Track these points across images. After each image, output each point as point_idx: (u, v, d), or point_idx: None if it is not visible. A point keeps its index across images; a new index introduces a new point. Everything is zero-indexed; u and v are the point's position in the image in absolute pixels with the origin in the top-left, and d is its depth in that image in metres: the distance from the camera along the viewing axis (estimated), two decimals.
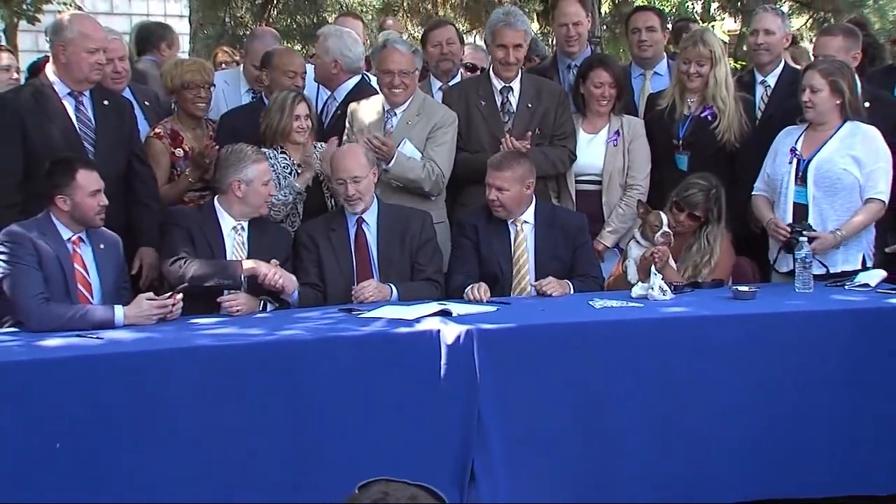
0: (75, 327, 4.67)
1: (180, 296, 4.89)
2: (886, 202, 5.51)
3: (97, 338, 4.55)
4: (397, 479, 1.98)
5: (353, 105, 6.14)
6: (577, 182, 6.19)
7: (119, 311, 4.78)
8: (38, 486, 4.21)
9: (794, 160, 5.55)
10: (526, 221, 5.58)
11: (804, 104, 5.51)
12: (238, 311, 5.03)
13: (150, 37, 7.66)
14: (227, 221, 5.33)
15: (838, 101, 5.48)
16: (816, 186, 5.50)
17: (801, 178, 5.53)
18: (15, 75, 5.94)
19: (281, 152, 5.77)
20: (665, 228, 5.49)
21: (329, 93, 6.55)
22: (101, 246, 5.02)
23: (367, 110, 6.03)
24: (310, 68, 6.70)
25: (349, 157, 5.46)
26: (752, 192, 5.78)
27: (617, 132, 6.10)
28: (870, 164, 5.46)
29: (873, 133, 5.51)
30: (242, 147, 5.37)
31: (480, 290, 5.22)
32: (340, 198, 5.48)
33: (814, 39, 7.81)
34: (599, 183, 6.14)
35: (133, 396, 4.33)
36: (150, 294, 4.92)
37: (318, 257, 5.44)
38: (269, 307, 5.20)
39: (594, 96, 6.09)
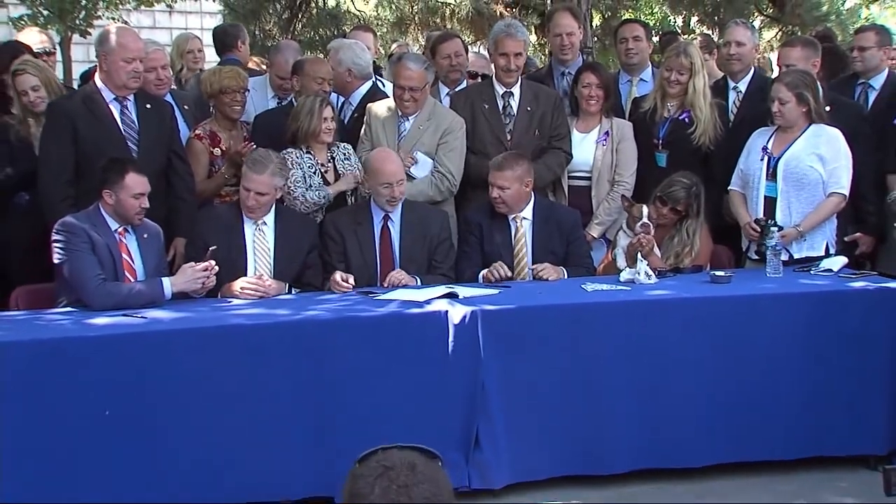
0: (130, 302, 4.70)
1: (213, 261, 4.87)
2: (847, 196, 5.51)
3: (141, 317, 4.55)
4: (390, 445, 1.93)
5: (370, 105, 6.10)
6: (569, 178, 6.16)
7: (166, 282, 4.81)
8: (89, 447, 4.25)
9: (766, 157, 5.54)
10: (525, 218, 5.54)
11: (773, 114, 5.50)
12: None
13: (227, 38, 7.69)
14: (249, 218, 5.24)
15: (804, 109, 5.46)
16: (785, 181, 5.49)
17: (772, 174, 5.52)
18: (43, 94, 5.74)
19: (307, 152, 5.72)
20: (645, 220, 5.48)
21: (344, 98, 6.52)
22: (145, 235, 5.02)
23: (382, 110, 6.00)
24: None
25: (393, 163, 5.39)
26: (729, 187, 5.78)
27: (607, 133, 6.06)
28: (832, 161, 5.45)
29: (836, 134, 5.50)
30: (259, 153, 5.27)
31: (503, 268, 5.31)
32: (382, 198, 5.37)
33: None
34: (589, 179, 6.10)
35: (173, 369, 4.37)
36: (192, 263, 4.91)
37: (344, 249, 5.39)
38: (293, 291, 5.18)
39: (583, 96, 6.06)
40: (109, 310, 4.62)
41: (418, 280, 5.30)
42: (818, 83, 5.61)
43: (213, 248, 4.93)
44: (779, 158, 5.50)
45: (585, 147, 6.10)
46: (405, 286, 5.17)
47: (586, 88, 6.03)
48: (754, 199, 5.59)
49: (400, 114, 5.90)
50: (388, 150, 5.63)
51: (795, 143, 5.50)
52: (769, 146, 5.56)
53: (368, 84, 6.46)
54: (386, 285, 5.23)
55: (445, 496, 1.87)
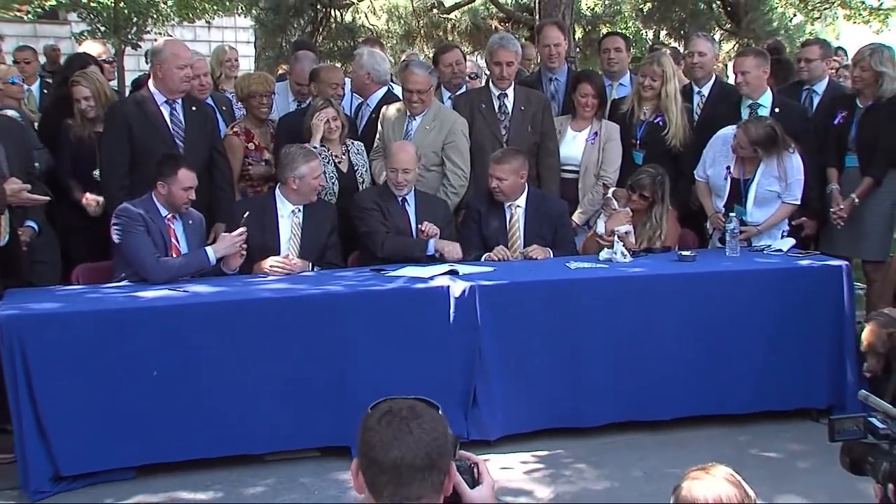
0: (183, 272, 4.75)
1: (244, 228, 4.89)
2: (798, 204, 5.50)
3: (184, 291, 4.53)
4: (399, 396, 2.00)
5: (384, 107, 6.04)
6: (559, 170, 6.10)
7: (209, 250, 4.85)
8: (138, 403, 4.27)
9: (730, 178, 5.50)
10: (519, 206, 5.47)
11: (731, 146, 5.43)
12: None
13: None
14: (286, 206, 5.19)
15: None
16: (752, 204, 5.46)
17: (735, 196, 5.48)
18: (93, 102, 5.59)
19: (322, 145, 5.67)
20: (609, 195, 5.53)
21: (363, 100, 6.47)
22: (190, 222, 5.00)
23: (392, 112, 5.93)
24: (348, 81, 6.62)
25: (405, 153, 5.35)
26: (696, 177, 5.73)
27: (596, 133, 5.97)
28: (788, 177, 5.40)
29: (792, 152, 5.43)
30: (294, 150, 5.21)
31: (504, 252, 5.30)
32: (390, 182, 5.34)
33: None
34: (577, 172, 6.02)
35: (211, 336, 4.37)
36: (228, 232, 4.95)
37: (384, 216, 5.32)
38: (315, 269, 5.14)
39: (580, 104, 5.96)
40: (165, 282, 4.65)
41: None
42: (779, 130, 5.37)
43: (248, 213, 4.93)
44: (746, 185, 5.45)
45: (576, 144, 6.01)
46: (406, 264, 5.11)
47: (584, 98, 5.93)
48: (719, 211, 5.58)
49: (408, 114, 5.84)
50: (407, 143, 5.56)
51: (757, 171, 5.43)
52: (732, 168, 5.49)
53: (384, 89, 6.41)
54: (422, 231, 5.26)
55: (441, 429, 1.92)
